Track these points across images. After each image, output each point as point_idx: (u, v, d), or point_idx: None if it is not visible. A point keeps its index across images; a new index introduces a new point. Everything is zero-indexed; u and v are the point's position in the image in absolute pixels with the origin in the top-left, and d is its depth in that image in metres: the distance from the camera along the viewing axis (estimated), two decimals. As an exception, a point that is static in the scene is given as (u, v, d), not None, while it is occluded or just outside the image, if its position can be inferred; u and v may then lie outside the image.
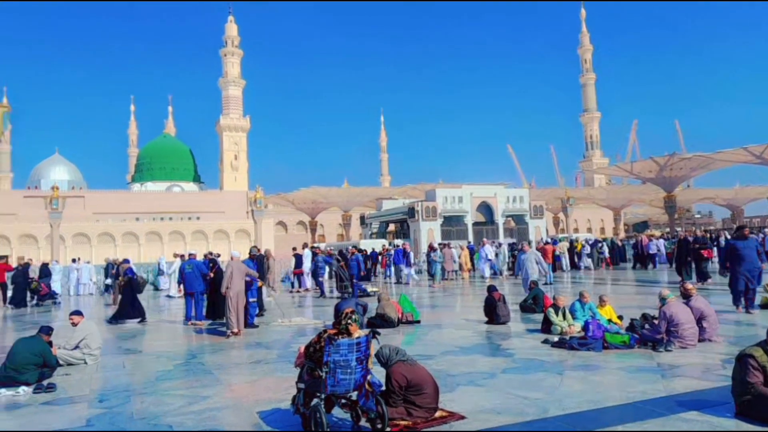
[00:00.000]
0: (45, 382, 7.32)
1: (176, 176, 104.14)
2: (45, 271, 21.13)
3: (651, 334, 8.46)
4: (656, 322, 8.67)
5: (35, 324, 13.16)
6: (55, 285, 25.76)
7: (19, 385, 7.17)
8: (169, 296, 22.28)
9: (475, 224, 46.53)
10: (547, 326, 10.16)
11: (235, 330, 11.23)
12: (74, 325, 9.07)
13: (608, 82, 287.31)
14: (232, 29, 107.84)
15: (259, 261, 16.28)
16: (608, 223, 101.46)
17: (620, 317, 10.38)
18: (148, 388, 7.22)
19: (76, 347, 8.75)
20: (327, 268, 22.05)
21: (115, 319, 13.93)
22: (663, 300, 8.71)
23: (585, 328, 9.01)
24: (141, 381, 7.65)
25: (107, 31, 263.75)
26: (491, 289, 11.94)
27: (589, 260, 29.34)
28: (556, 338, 9.32)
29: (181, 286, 14.68)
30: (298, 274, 23.03)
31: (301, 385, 5.26)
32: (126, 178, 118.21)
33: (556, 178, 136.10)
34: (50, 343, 8.23)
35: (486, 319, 11.68)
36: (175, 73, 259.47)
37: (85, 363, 8.73)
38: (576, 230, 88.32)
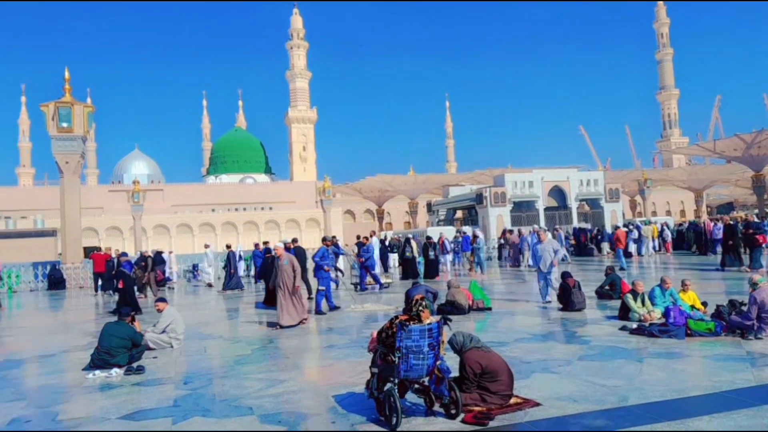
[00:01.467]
0: (135, 365, 7.77)
1: (248, 168, 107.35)
2: (159, 259, 22.30)
3: (740, 320, 8.02)
4: (745, 308, 8.20)
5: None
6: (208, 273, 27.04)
7: (111, 367, 7.64)
8: (209, 285, 22.71)
9: (547, 209, 45.43)
10: (624, 313, 9.82)
11: (284, 323, 10.71)
12: (159, 311, 9.57)
13: (687, 56, 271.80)
14: (297, 22, 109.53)
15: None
16: (689, 205, 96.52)
17: (704, 303, 9.89)
18: (228, 371, 7.52)
19: (163, 331, 9.24)
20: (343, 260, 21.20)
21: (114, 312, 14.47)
22: (754, 285, 8.22)
23: (666, 314, 8.65)
24: (222, 365, 7.98)
25: (180, 30, 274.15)
26: (565, 275, 11.65)
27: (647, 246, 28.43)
28: (634, 325, 9.00)
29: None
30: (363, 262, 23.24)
31: (375, 370, 5.33)
32: (201, 171, 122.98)
33: (632, 160, 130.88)
34: (133, 318, 8.89)
35: (560, 305, 11.42)
36: (244, 68, 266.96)
37: (172, 347, 9.21)
38: (654, 213, 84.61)
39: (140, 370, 7.62)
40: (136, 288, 20.64)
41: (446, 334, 5.44)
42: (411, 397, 5.52)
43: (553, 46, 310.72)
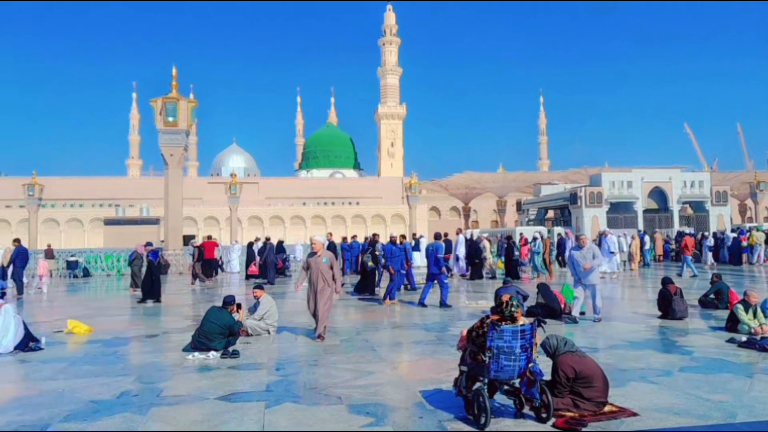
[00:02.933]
0: (230, 349, 8.13)
1: (338, 163, 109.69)
2: (280, 248, 23.44)
3: None
4: None
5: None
6: (234, 263, 28.57)
7: (209, 350, 8.05)
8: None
9: (647, 211, 43.22)
10: (732, 324, 9.16)
11: (320, 335, 9.12)
12: (256, 298, 9.96)
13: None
14: (390, 18, 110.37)
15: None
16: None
17: (826, 318, 9.03)
18: (318, 360, 7.71)
19: (261, 318, 9.63)
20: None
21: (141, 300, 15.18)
22: None
23: (781, 328, 7.97)
24: (311, 353, 8.20)
25: (277, 29, 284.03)
26: (666, 281, 11.03)
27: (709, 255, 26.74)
28: (743, 338, 8.38)
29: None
30: (448, 258, 23.13)
31: (464, 368, 5.28)
32: (294, 165, 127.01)
33: (744, 161, 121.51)
34: (239, 306, 9.34)
35: (659, 313, 10.82)
36: (337, 66, 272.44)
37: (268, 333, 9.58)
38: (767, 219, 78.25)
39: (235, 354, 7.97)
40: (192, 275, 21.72)
41: (539, 336, 5.30)
42: (500, 398, 5.42)
43: (655, 41, 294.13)
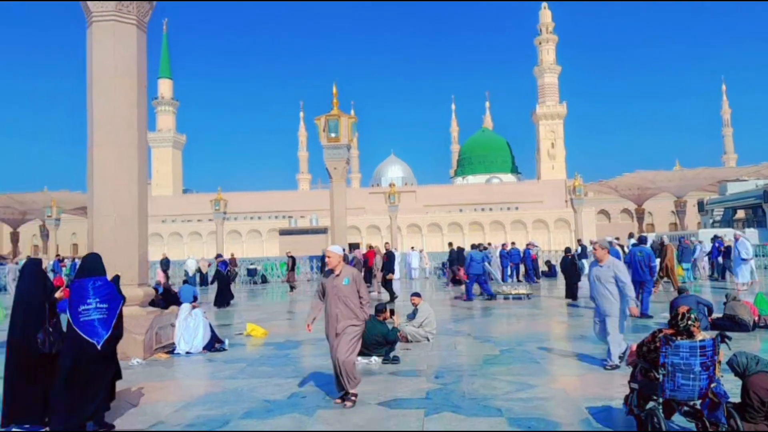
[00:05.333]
0: (391, 355, 8.32)
1: (495, 168, 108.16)
2: (459, 257, 23.86)
3: None
4: None
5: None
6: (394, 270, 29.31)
7: (371, 355, 8.31)
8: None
9: None
10: None
11: (352, 392, 6.20)
12: (414, 305, 10.12)
13: None
14: (546, 16, 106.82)
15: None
16: None
17: None
18: (477, 370, 7.61)
19: (420, 326, 9.75)
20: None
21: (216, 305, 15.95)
22: None
23: None
24: (471, 363, 8.11)
25: (430, 40, 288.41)
26: None
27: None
28: None
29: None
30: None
31: (635, 386, 4.91)
32: (449, 172, 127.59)
33: None
34: (392, 312, 9.47)
35: None
36: (490, 70, 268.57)
37: (428, 340, 9.67)
38: None
39: (396, 360, 8.15)
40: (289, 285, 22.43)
41: (723, 353, 4.72)
42: (679, 419, 4.92)
43: None
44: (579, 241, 28.71)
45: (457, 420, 5.44)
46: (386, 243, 19.66)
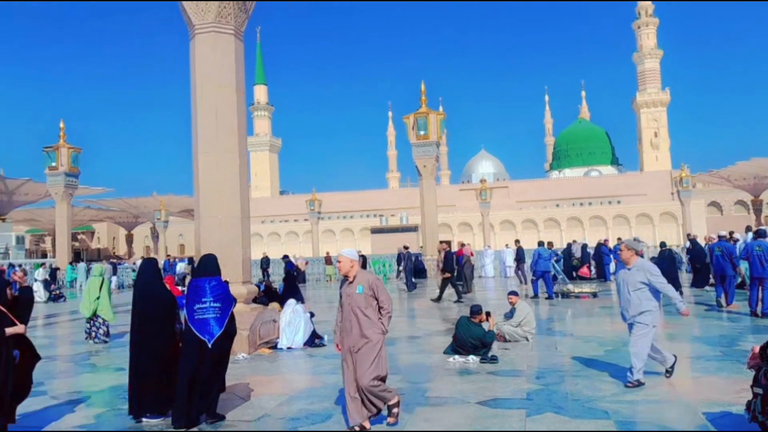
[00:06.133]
0: (489, 354, 8.18)
1: (593, 161, 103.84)
2: (568, 253, 23.30)
3: None
4: None
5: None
6: (488, 268, 28.83)
7: (468, 354, 8.21)
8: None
9: None
10: None
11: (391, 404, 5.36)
12: (512, 304, 9.89)
13: None
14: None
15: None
16: None
17: None
18: (580, 370, 7.31)
19: (518, 325, 9.52)
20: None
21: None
22: None
23: None
24: (573, 363, 7.81)
25: (520, 31, 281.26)
26: None
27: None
28: None
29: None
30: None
31: (758, 390, 4.52)
32: (544, 166, 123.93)
33: None
34: (488, 314, 9.26)
35: None
36: (585, 58, 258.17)
37: (526, 340, 9.42)
38: None
39: (494, 359, 8.00)
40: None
41: None
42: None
43: None
44: (688, 235, 26.94)
45: (561, 421, 5.25)
46: (441, 242, 19.35)
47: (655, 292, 6.48)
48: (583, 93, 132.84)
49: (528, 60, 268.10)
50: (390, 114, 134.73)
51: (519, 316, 9.55)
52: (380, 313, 5.30)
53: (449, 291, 17.11)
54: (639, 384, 6.33)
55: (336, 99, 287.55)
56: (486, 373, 7.39)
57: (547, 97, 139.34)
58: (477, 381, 6.97)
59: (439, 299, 16.55)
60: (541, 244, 17.41)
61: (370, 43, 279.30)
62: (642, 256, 7.03)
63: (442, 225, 71.12)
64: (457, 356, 8.25)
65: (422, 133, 28.56)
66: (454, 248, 22.97)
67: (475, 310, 8.97)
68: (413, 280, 21.93)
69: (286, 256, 20.54)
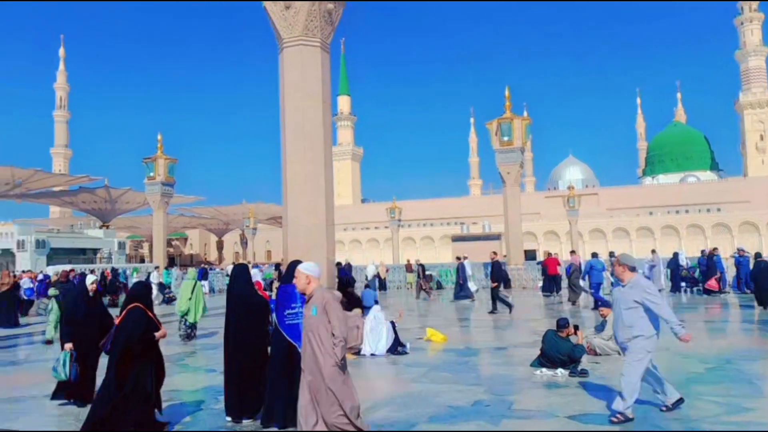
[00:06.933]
0: (579, 368, 7.87)
1: (690, 166, 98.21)
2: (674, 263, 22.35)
3: None
4: None
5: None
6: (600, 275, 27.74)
7: (557, 367, 7.93)
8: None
9: None
10: None
11: None
12: (603, 316, 9.48)
13: None
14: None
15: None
16: None
17: None
18: (679, 388, 6.85)
19: (609, 338, 9.09)
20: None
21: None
22: None
23: None
24: (672, 380, 7.31)
25: (610, 31, 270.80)
26: None
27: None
28: None
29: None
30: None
31: None
32: (636, 172, 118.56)
33: None
34: (576, 327, 8.91)
35: None
36: (680, 58, 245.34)
37: (619, 354, 8.97)
38: None
39: (584, 373, 7.69)
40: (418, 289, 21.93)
41: None
42: None
43: None
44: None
45: (659, 442, 4.96)
46: (492, 252, 18.63)
47: (654, 316, 5.80)
48: (679, 94, 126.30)
49: (618, 61, 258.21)
50: (472, 120, 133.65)
51: (611, 329, 9.11)
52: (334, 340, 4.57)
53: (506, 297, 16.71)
54: (627, 419, 5.53)
55: (416, 106, 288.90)
56: (575, 386, 7.11)
57: (638, 100, 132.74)
58: (566, 394, 6.72)
59: (510, 310, 16.05)
60: (594, 255, 18.05)
61: (452, 48, 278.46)
62: (655, 266, 6.55)
63: (527, 233, 69.53)
64: (544, 369, 7.99)
65: (506, 139, 28.04)
66: (540, 257, 22.30)
67: (562, 323, 8.62)
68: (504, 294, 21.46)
69: (339, 263, 20.62)
